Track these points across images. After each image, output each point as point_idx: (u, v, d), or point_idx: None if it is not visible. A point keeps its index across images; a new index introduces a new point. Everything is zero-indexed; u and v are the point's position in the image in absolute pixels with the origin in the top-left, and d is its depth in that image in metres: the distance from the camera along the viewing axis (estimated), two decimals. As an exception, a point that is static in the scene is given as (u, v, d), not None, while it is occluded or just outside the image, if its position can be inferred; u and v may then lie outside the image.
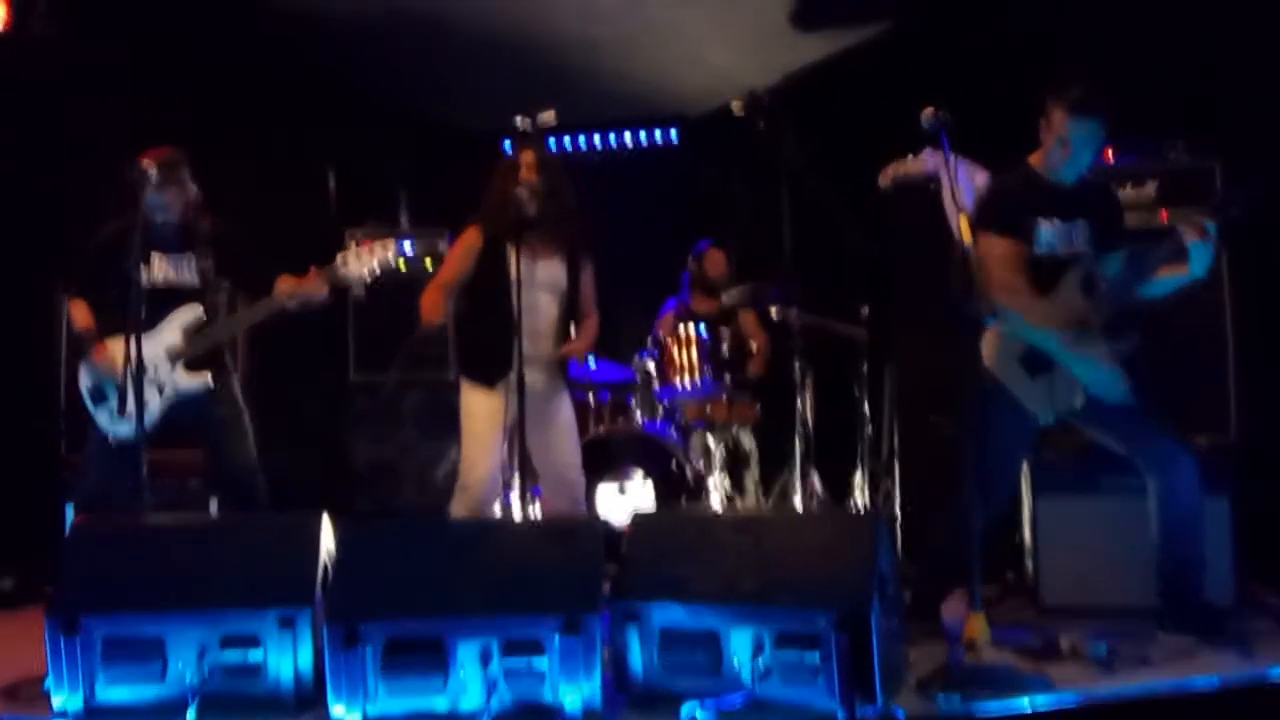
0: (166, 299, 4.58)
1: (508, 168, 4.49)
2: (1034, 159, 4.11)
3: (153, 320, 4.49)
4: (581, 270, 4.63)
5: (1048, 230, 4.01)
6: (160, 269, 4.60)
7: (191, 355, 4.58)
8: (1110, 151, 4.78)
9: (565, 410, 4.58)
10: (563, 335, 4.58)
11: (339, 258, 4.58)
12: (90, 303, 4.63)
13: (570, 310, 4.60)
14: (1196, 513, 3.97)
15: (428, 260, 6.46)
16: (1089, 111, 3.95)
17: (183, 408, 4.59)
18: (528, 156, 4.47)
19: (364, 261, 4.54)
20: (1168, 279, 3.97)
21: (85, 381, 4.60)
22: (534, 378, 4.36)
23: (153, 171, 4.33)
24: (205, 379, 4.59)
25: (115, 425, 4.53)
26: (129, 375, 4.09)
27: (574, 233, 4.56)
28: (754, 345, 6.50)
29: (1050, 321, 3.93)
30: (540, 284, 4.48)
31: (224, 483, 4.76)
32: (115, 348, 4.44)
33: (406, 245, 6.40)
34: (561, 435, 4.55)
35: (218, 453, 4.66)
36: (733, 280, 6.54)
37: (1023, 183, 4.12)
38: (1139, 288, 3.96)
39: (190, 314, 4.61)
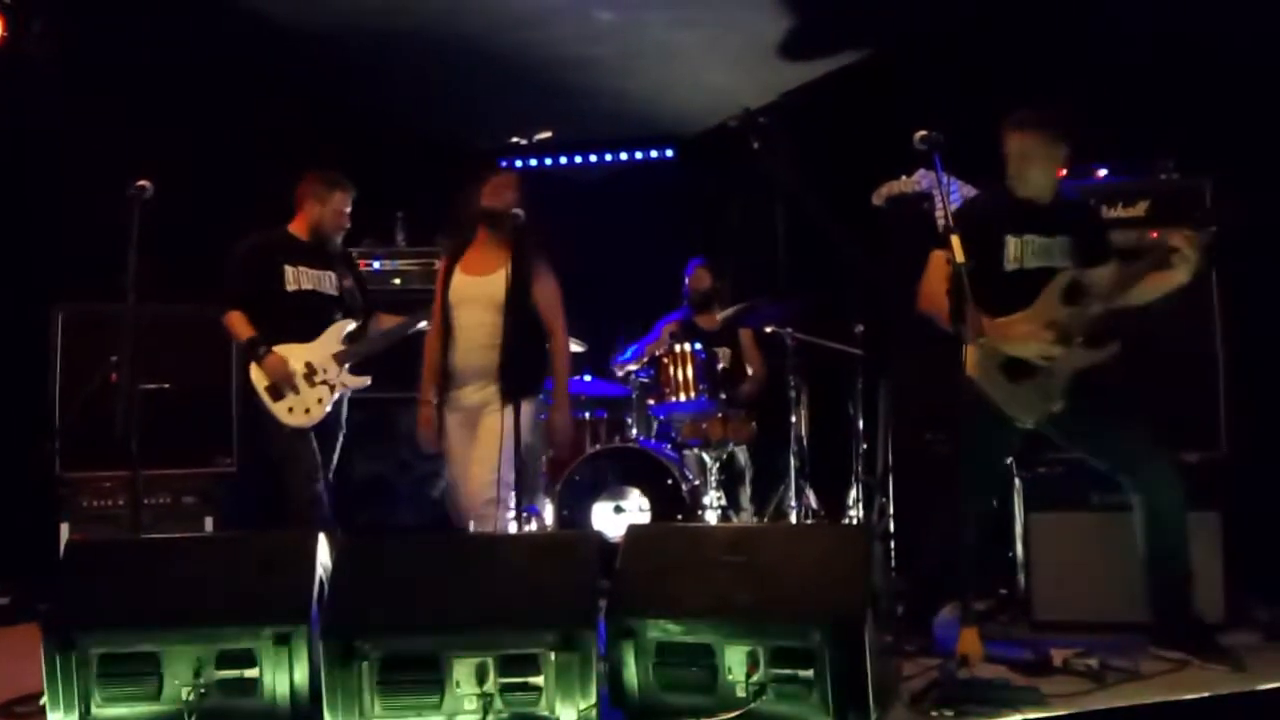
0: (319, 312, 5.01)
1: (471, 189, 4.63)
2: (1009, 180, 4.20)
3: (312, 331, 4.98)
4: (534, 283, 4.51)
5: (1016, 246, 4.07)
6: (308, 281, 5.01)
7: (354, 361, 5.04)
8: (1101, 170, 4.82)
9: (492, 426, 4.39)
10: (507, 349, 4.45)
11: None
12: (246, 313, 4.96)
13: (516, 326, 4.40)
14: (1181, 527, 3.99)
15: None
16: (1028, 127, 4.09)
17: (336, 406, 5.02)
18: (501, 178, 4.65)
19: None
20: (1156, 287, 4.00)
21: (261, 382, 4.91)
22: (469, 394, 4.53)
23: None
24: (367, 379, 5.06)
25: (294, 418, 4.90)
26: (291, 380, 4.84)
27: (521, 247, 4.37)
28: (749, 363, 6.52)
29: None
30: (475, 299, 4.53)
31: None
32: (286, 351, 4.92)
33: (376, 264, 6.46)
34: (481, 450, 4.46)
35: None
36: (720, 297, 6.57)
37: (993, 201, 4.21)
38: (1125, 296, 4.00)
39: (346, 326, 5.07)
